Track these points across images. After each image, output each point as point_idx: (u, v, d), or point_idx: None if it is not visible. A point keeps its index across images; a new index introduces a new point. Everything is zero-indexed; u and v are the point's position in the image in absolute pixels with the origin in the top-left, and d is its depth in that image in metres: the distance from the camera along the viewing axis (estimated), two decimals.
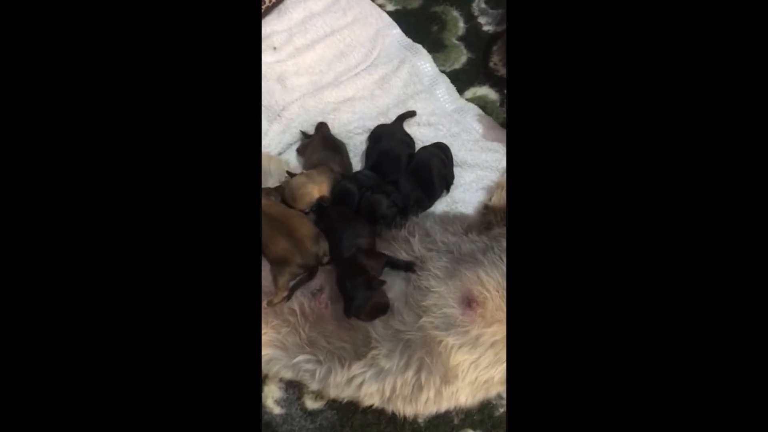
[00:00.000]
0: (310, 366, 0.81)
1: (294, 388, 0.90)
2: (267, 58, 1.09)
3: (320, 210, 0.87)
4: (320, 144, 0.97)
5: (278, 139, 1.03)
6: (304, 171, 0.90)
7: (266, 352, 0.83)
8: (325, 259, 0.82)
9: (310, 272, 0.81)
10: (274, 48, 1.11)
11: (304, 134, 1.02)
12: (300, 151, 1.02)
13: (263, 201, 0.85)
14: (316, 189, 0.87)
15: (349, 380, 0.79)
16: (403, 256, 0.83)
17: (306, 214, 0.87)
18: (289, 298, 0.81)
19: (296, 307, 0.82)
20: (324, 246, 0.83)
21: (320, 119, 1.03)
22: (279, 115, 1.04)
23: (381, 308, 0.77)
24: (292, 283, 0.81)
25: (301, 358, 0.81)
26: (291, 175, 0.91)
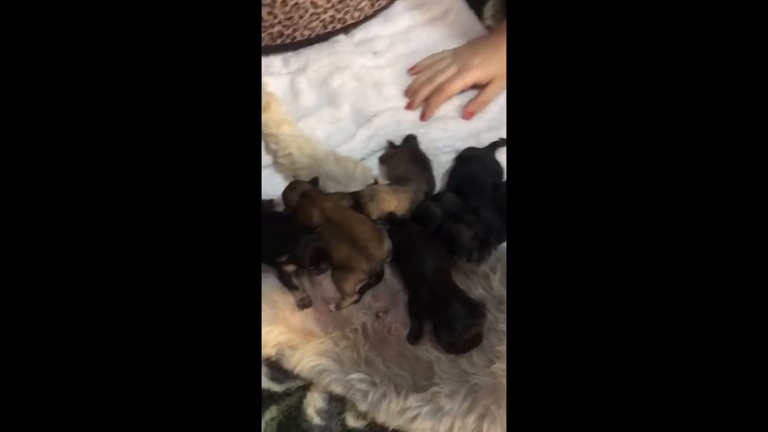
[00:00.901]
0: (363, 386, 0.78)
1: (337, 402, 0.87)
2: (367, 61, 1.07)
3: (398, 224, 0.84)
4: (407, 157, 0.94)
5: (364, 144, 1.01)
6: (391, 184, 0.87)
7: (320, 361, 0.80)
8: (388, 259, 0.79)
9: (377, 277, 0.78)
10: (375, 53, 1.09)
11: (391, 144, 1.00)
12: (383, 161, 1.00)
13: (330, 204, 0.83)
14: (394, 204, 0.83)
15: (403, 411, 0.75)
16: (478, 292, 0.80)
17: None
18: (358, 300, 0.78)
19: (358, 326, 0.79)
20: (388, 245, 0.80)
21: (410, 132, 1.00)
22: (369, 121, 1.02)
23: (478, 340, 0.72)
24: (358, 287, 0.78)
25: (356, 376, 0.78)
26: (376, 182, 0.88)
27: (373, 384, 0.77)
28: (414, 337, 0.76)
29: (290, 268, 0.78)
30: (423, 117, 1.03)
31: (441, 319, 0.72)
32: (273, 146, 0.99)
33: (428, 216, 0.85)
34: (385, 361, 0.77)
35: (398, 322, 0.77)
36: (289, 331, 0.79)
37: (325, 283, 0.79)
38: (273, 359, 0.81)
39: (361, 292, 0.78)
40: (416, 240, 0.81)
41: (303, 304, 0.79)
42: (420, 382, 0.75)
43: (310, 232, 0.78)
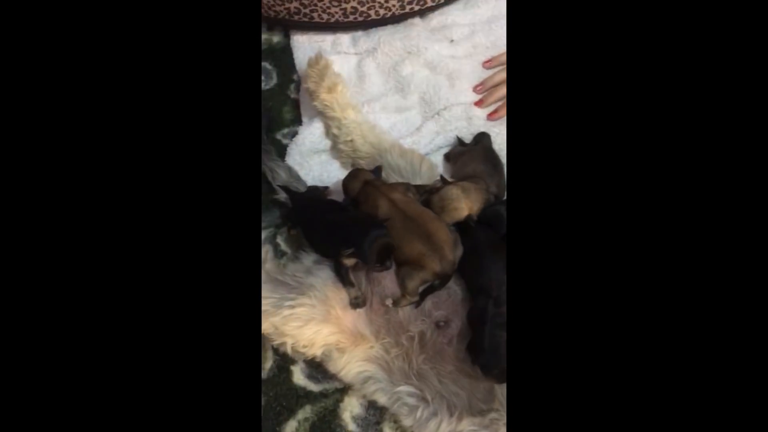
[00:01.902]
0: (412, 401, 0.72)
1: (376, 411, 0.81)
2: (442, 50, 1.00)
3: (464, 227, 0.77)
4: (480, 156, 0.87)
5: (430, 138, 0.94)
6: (460, 182, 0.81)
7: (368, 368, 0.74)
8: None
9: (443, 280, 0.72)
10: (452, 41, 1.01)
11: (461, 141, 0.93)
12: (450, 158, 0.93)
13: (400, 196, 0.77)
14: (469, 206, 0.77)
15: None
16: None
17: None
18: (419, 304, 0.72)
19: (415, 333, 0.72)
20: (459, 252, 0.73)
21: (483, 130, 0.92)
22: (438, 114, 0.95)
23: None
24: (421, 289, 0.72)
25: (404, 388, 0.72)
26: (444, 181, 0.81)
27: (424, 399, 0.70)
28: (471, 350, 0.69)
29: (350, 261, 0.72)
30: (492, 115, 0.95)
31: (482, 340, 0.65)
32: (335, 131, 0.92)
33: (498, 219, 0.78)
34: (441, 377, 0.70)
35: (460, 334, 0.71)
36: (339, 331, 0.73)
37: (385, 281, 0.73)
38: (318, 359, 0.76)
39: (423, 295, 0.72)
40: (482, 247, 0.74)
41: (356, 303, 0.73)
42: (477, 405, 0.68)
43: (377, 226, 0.72)
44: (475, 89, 0.99)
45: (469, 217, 0.76)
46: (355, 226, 0.71)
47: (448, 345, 0.71)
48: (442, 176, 0.83)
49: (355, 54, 1.04)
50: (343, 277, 0.73)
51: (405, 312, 0.73)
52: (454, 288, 0.74)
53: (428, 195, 0.79)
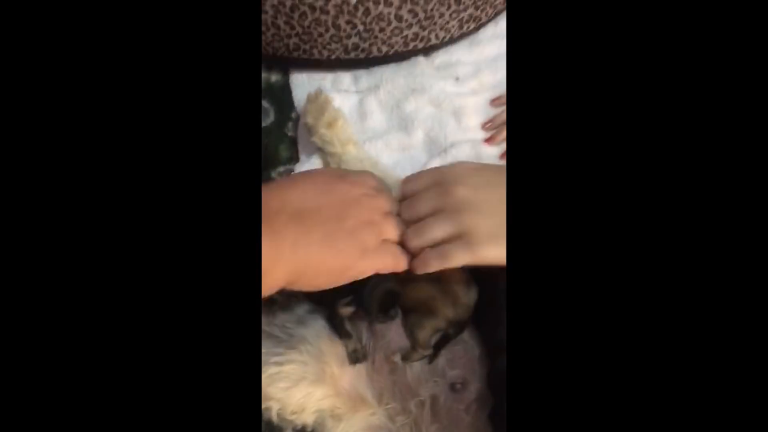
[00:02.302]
0: None
1: None
2: (448, 87, 0.94)
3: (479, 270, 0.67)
4: None
5: None
6: None
7: None
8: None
9: (457, 328, 0.61)
10: (457, 78, 0.97)
11: None
12: None
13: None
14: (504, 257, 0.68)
15: None
16: None
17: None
18: (432, 359, 0.61)
19: (426, 398, 0.61)
20: (474, 295, 0.63)
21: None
22: (445, 152, 0.88)
23: None
24: (434, 340, 0.61)
25: None
26: None
27: None
28: (494, 418, 0.57)
29: (347, 311, 0.62)
30: (490, 141, 0.90)
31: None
32: (334, 167, 0.85)
33: None
34: None
35: (480, 399, 0.59)
36: (334, 394, 0.61)
37: (390, 334, 0.62)
38: (309, 429, 0.63)
39: (437, 348, 0.61)
40: (496, 296, 0.64)
41: (356, 357, 0.62)
42: None
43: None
44: (484, 126, 0.93)
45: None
46: None
47: (466, 412, 0.60)
48: None
49: (356, 92, 0.98)
50: (338, 327, 0.63)
51: (414, 371, 0.62)
52: (471, 342, 0.64)
53: None
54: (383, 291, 0.60)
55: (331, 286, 0.53)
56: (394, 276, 0.61)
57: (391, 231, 0.57)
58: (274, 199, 0.52)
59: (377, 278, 0.60)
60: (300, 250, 0.50)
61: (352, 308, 0.62)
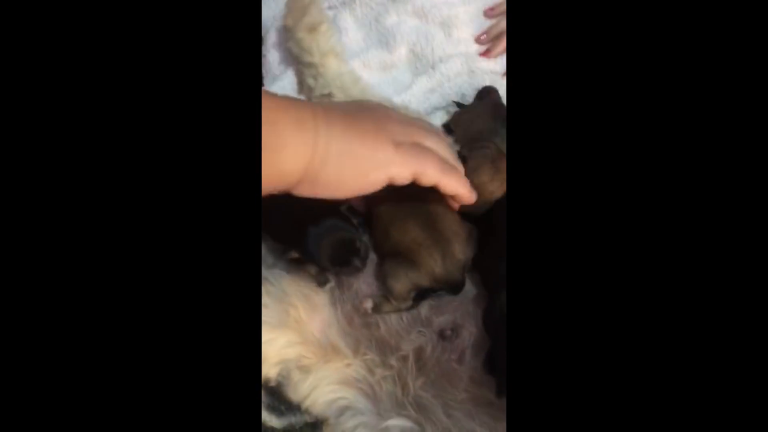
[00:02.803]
0: None
1: None
2: None
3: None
4: (489, 112, 0.67)
5: (423, 97, 0.75)
6: (485, 153, 0.57)
7: (344, 393, 0.53)
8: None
9: (447, 288, 0.50)
10: None
11: (459, 105, 0.73)
12: (453, 125, 0.71)
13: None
14: (503, 187, 0.54)
15: None
16: None
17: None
18: (413, 307, 0.50)
19: (409, 351, 0.51)
20: (471, 253, 0.52)
21: (488, 85, 0.73)
22: (432, 68, 0.76)
23: None
24: (413, 294, 0.50)
25: (397, 422, 0.50)
26: (463, 158, 0.56)
27: None
28: (491, 364, 0.48)
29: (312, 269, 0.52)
30: (487, 53, 0.78)
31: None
32: (310, 81, 0.72)
33: None
34: (449, 408, 0.49)
35: (476, 346, 0.49)
36: (301, 341, 0.51)
37: (358, 284, 0.52)
38: (272, 384, 0.54)
39: (417, 299, 0.51)
40: (495, 226, 0.53)
41: (324, 280, 0.52)
42: None
43: (331, 211, 0.50)
44: (478, 39, 0.80)
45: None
46: (295, 217, 0.50)
47: (459, 363, 0.50)
48: (459, 152, 0.57)
49: (329, 8, 0.85)
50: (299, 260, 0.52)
51: (392, 322, 0.51)
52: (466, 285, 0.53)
53: None
54: (335, 239, 0.49)
55: (353, 192, 0.44)
56: (358, 221, 0.51)
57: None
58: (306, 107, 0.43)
59: (328, 224, 0.49)
60: (323, 134, 0.41)
61: (296, 255, 0.51)
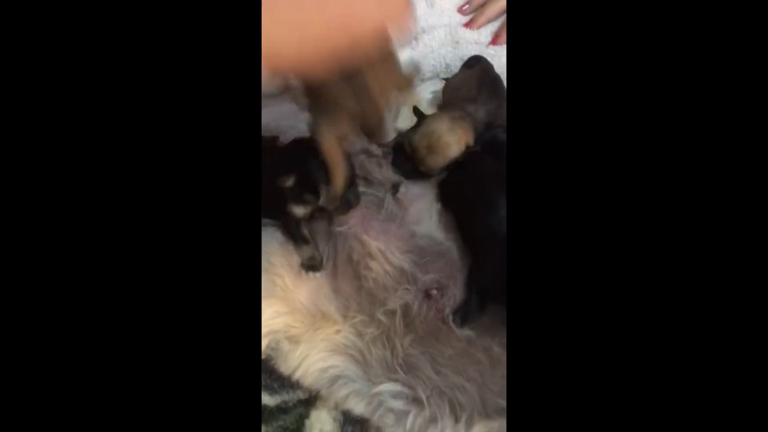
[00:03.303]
0: (399, 404, 0.50)
1: (355, 427, 0.59)
2: None
3: (459, 164, 0.57)
4: (476, 80, 0.66)
5: (407, 69, 0.74)
6: (445, 114, 0.60)
7: (334, 362, 0.53)
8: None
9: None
10: None
11: (446, 81, 0.72)
12: (442, 93, 0.72)
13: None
14: (465, 138, 0.58)
15: None
16: None
17: (432, 174, 0.58)
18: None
19: (397, 308, 0.51)
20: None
21: (474, 54, 0.72)
22: (416, 39, 0.76)
23: None
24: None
25: (388, 387, 0.50)
26: (419, 114, 0.60)
27: (417, 402, 0.49)
28: (462, 317, 0.49)
29: (300, 209, 0.51)
30: (496, 40, 0.76)
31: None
32: None
33: (495, 144, 0.59)
34: (437, 365, 0.49)
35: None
36: (289, 311, 0.51)
37: (351, 240, 0.52)
38: (263, 358, 0.54)
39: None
40: (487, 181, 0.53)
41: (311, 265, 0.51)
42: (494, 402, 0.46)
43: None
44: (461, 9, 0.80)
45: (467, 148, 0.56)
46: (297, 146, 0.50)
47: (443, 321, 0.50)
48: (416, 108, 0.61)
49: None
50: (293, 232, 0.52)
51: (380, 274, 0.51)
52: (449, 245, 0.53)
53: (408, 137, 0.59)
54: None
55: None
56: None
57: None
58: None
59: None
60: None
61: (306, 209, 0.51)
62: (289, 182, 0.47)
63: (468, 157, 0.56)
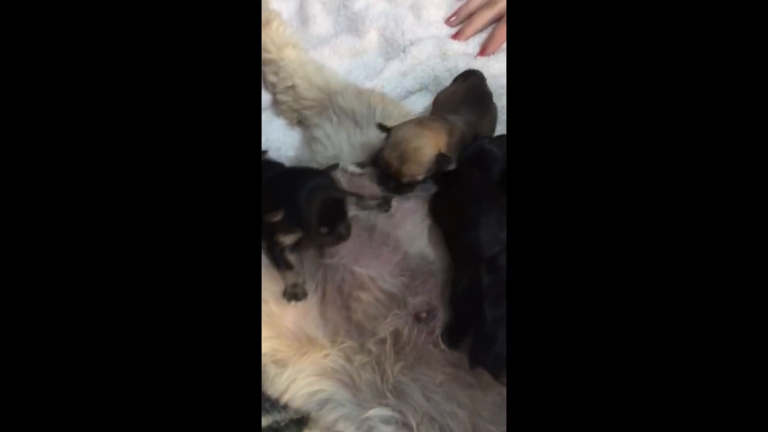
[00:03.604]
0: (389, 430, 0.49)
1: None
2: None
3: (446, 177, 0.56)
4: (462, 94, 0.66)
5: (396, 82, 0.73)
6: (409, 121, 0.58)
7: (323, 386, 0.52)
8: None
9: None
10: None
11: (436, 97, 0.71)
12: (433, 105, 0.70)
13: None
14: (434, 142, 0.55)
15: None
16: None
17: (416, 183, 0.56)
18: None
19: (387, 335, 0.50)
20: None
21: (463, 68, 0.71)
22: (403, 51, 0.75)
23: None
24: None
25: (378, 412, 0.50)
26: (384, 129, 0.57)
27: (406, 426, 0.48)
28: (450, 338, 0.48)
29: (288, 238, 0.50)
30: (483, 52, 0.75)
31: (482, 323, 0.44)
32: (272, 78, 0.71)
33: (483, 155, 0.56)
34: (428, 391, 0.48)
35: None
36: (274, 336, 0.50)
37: (342, 272, 0.51)
38: None
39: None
40: (471, 194, 0.52)
41: (294, 293, 0.50)
42: (486, 429, 0.46)
43: (318, 174, 0.50)
44: (449, 21, 0.79)
45: (442, 156, 0.54)
46: (285, 177, 0.49)
47: (435, 345, 0.49)
48: (379, 124, 0.58)
49: None
50: (276, 257, 0.51)
51: (370, 304, 0.50)
52: (439, 264, 0.52)
53: (380, 152, 0.57)
54: (323, 198, 0.47)
55: None
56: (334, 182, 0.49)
57: None
58: None
59: (314, 183, 0.47)
60: None
61: (292, 235, 0.50)
62: (277, 218, 0.46)
63: (453, 171, 0.55)
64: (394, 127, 0.57)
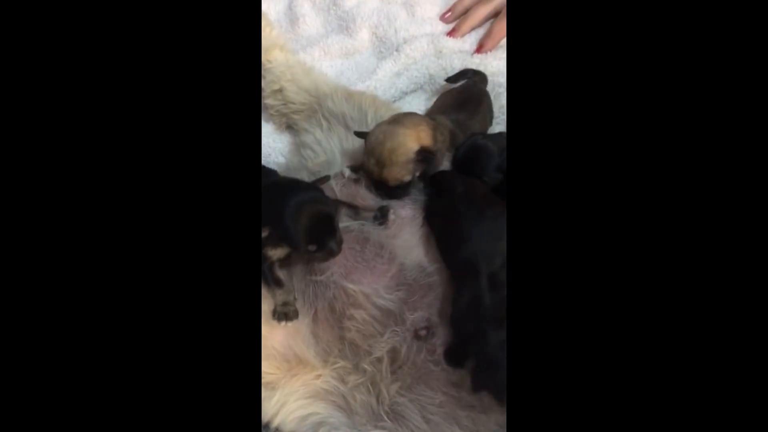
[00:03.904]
0: None
1: None
2: None
3: (435, 182, 0.52)
4: (451, 97, 0.62)
5: (389, 82, 0.70)
6: (382, 122, 0.54)
7: (315, 409, 0.49)
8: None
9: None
10: None
11: (436, 100, 0.68)
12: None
13: None
14: (415, 137, 0.51)
15: None
16: None
17: (407, 185, 0.52)
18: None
19: (383, 354, 0.47)
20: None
21: (459, 66, 0.68)
22: (397, 50, 0.72)
23: None
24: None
25: None
26: (361, 135, 0.54)
27: None
28: (453, 358, 0.45)
29: (276, 252, 0.47)
30: (481, 49, 0.72)
31: (477, 347, 0.41)
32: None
33: (477, 153, 0.53)
34: (427, 412, 0.45)
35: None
36: (264, 356, 0.47)
37: (333, 289, 0.48)
38: None
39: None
40: (459, 206, 0.48)
41: (284, 313, 0.47)
42: None
43: (306, 187, 0.47)
44: (444, 18, 0.76)
45: (425, 150, 0.51)
46: (272, 190, 0.46)
47: (436, 364, 0.46)
48: (356, 131, 0.55)
49: None
50: (267, 273, 0.48)
51: (365, 321, 0.47)
52: (436, 277, 0.49)
53: (363, 159, 0.53)
54: (311, 213, 0.44)
55: None
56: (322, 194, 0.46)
57: None
58: None
59: (302, 197, 0.44)
60: None
61: (281, 250, 0.47)
62: (264, 234, 0.43)
63: (441, 177, 0.52)
64: (370, 131, 0.53)
